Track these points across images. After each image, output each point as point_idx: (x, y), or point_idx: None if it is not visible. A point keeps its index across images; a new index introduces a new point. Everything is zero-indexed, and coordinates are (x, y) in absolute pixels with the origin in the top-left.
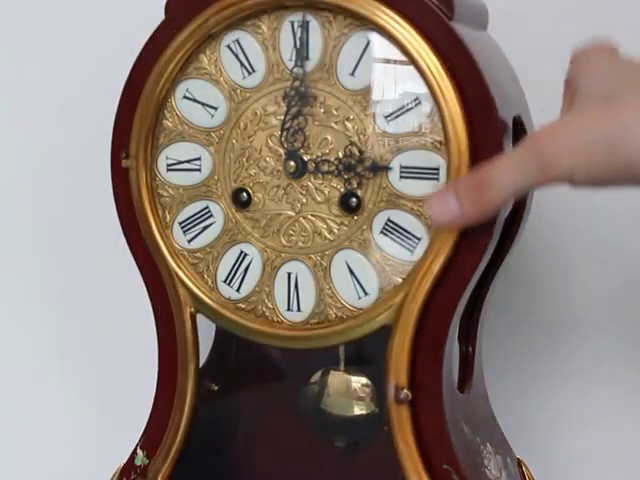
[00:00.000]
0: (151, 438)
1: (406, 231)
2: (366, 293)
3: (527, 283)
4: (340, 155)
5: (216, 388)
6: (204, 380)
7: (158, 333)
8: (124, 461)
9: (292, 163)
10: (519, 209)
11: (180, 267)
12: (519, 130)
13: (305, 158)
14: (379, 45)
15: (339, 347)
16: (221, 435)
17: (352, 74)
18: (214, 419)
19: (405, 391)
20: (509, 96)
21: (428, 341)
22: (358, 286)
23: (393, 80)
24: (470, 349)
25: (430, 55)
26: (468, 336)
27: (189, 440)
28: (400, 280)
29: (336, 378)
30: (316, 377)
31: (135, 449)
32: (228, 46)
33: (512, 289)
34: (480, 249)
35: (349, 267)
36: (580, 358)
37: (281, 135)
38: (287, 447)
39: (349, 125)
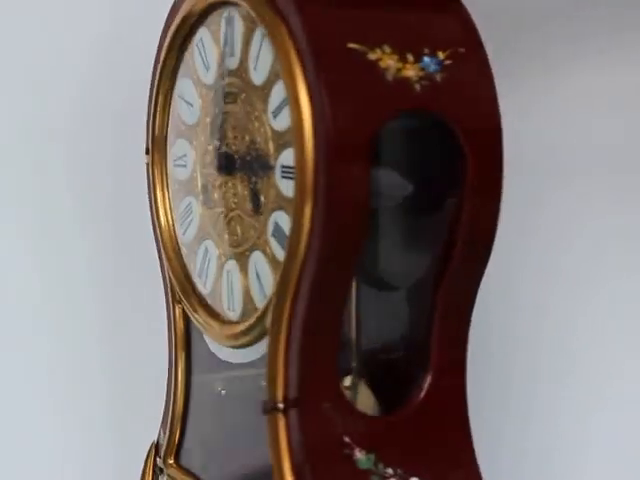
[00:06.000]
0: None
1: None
2: (265, 296)
3: None
4: (248, 153)
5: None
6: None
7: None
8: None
9: (218, 161)
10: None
11: (170, 261)
12: None
13: (228, 156)
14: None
15: None
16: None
17: (255, 69)
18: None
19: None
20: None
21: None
22: (260, 288)
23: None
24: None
25: None
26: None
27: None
28: None
29: None
30: None
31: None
32: (197, 44)
33: None
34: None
35: (256, 269)
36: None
37: (210, 133)
38: None
39: (256, 123)
